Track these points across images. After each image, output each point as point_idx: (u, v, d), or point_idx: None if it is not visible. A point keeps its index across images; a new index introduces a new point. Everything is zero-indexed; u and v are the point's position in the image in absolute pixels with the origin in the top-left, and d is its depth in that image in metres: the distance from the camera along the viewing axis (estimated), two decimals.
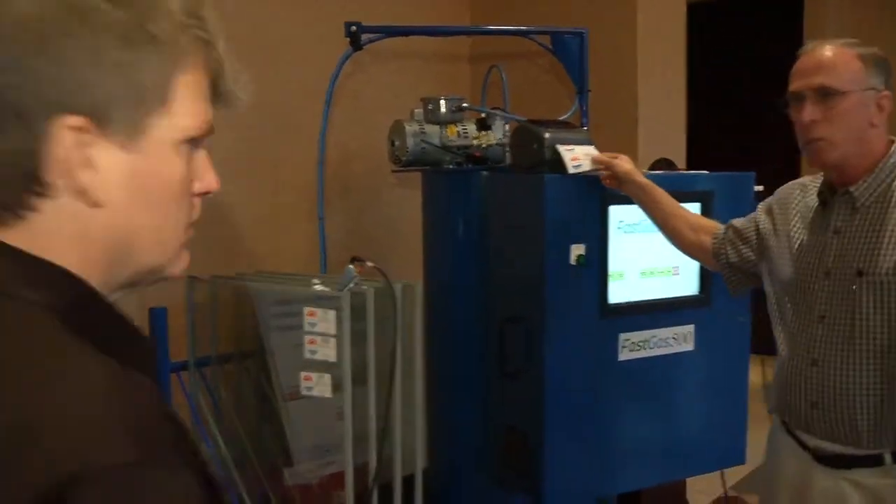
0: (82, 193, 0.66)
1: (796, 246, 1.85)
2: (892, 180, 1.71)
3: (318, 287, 2.11)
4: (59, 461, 0.57)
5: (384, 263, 3.64)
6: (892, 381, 1.68)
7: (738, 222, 2.09)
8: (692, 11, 3.76)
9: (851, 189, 1.74)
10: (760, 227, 2.02)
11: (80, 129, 0.64)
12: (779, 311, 1.90)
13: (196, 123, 0.73)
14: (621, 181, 2.24)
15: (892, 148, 1.73)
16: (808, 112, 1.71)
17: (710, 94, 5.89)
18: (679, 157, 3.67)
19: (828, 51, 1.72)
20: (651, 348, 2.59)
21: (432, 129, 2.93)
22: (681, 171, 2.97)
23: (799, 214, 1.88)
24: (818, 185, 1.87)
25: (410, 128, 2.94)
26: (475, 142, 2.91)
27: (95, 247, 0.67)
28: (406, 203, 3.26)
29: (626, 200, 2.35)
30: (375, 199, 3.60)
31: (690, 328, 2.64)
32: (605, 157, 2.31)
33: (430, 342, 2.84)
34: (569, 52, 2.89)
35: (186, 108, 0.71)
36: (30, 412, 0.59)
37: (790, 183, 2.00)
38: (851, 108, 1.69)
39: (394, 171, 3.09)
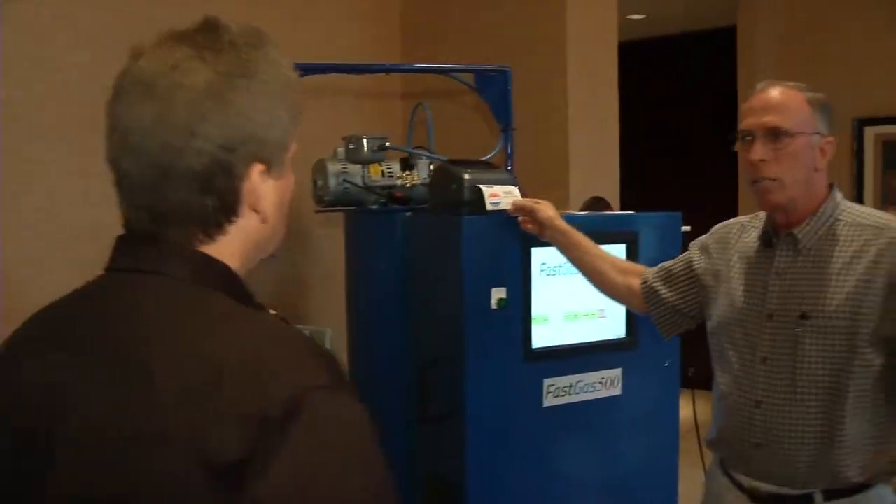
0: (260, 215, 0.90)
1: (737, 286, 1.84)
2: (833, 223, 1.72)
3: None
4: (281, 386, 0.75)
5: (312, 307, 3.56)
6: (833, 423, 1.68)
7: (668, 263, 2.07)
8: (625, 50, 3.76)
9: (795, 231, 1.75)
10: (695, 265, 1.99)
11: (262, 172, 0.89)
12: (719, 350, 1.88)
13: None
14: (543, 227, 2.19)
15: (832, 192, 1.76)
16: (758, 151, 1.72)
17: (646, 133, 5.92)
18: (612, 197, 3.63)
19: (780, 92, 1.74)
20: (577, 393, 2.52)
21: (354, 169, 2.85)
22: (607, 212, 2.92)
23: (738, 254, 1.87)
24: (756, 224, 1.87)
25: (333, 167, 2.86)
26: (399, 182, 2.84)
27: (251, 248, 0.92)
28: (333, 244, 3.17)
29: (548, 243, 2.29)
30: (304, 240, 3.49)
31: (618, 372, 2.58)
32: (527, 202, 2.25)
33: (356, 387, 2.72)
34: (493, 90, 2.84)
35: None
36: (246, 352, 0.78)
37: (727, 222, 1.99)
38: (799, 151, 1.70)
39: (317, 212, 3.01)
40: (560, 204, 3.40)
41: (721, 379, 1.86)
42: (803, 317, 1.70)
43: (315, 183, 2.90)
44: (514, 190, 2.36)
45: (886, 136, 5.00)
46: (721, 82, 5.43)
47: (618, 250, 2.60)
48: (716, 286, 1.89)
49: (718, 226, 2.00)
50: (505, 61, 2.97)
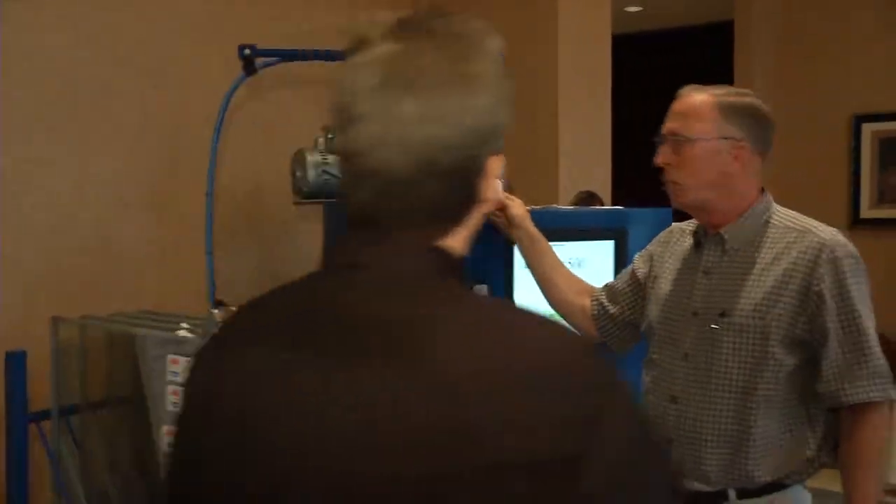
0: (484, 204, 0.89)
1: (668, 286, 1.88)
2: (763, 225, 1.77)
3: (182, 332, 1.89)
4: (593, 382, 0.77)
5: None
6: (744, 422, 1.70)
7: (612, 281, 2.10)
8: (621, 42, 3.66)
9: (722, 231, 1.79)
10: (638, 274, 2.01)
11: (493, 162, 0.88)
12: (649, 348, 1.91)
13: None
14: (512, 224, 2.11)
15: (764, 196, 1.79)
16: (661, 155, 1.79)
17: (640, 126, 5.82)
18: (604, 192, 3.54)
19: (688, 98, 1.79)
20: None
21: (335, 159, 2.75)
22: (595, 207, 2.83)
23: (673, 256, 1.92)
24: (693, 228, 1.91)
25: (312, 158, 2.76)
26: None
27: (471, 236, 0.90)
28: (314, 238, 3.07)
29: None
30: (285, 234, 3.39)
31: None
32: (501, 200, 2.16)
33: None
34: None
35: None
36: (546, 354, 0.77)
37: (672, 226, 2.02)
38: (700, 156, 1.74)
39: (296, 204, 2.90)
40: (549, 198, 3.32)
41: (646, 377, 1.88)
42: (722, 315, 1.73)
43: (294, 174, 2.80)
44: (497, 183, 2.25)
45: (884, 134, 4.91)
46: (718, 77, 5.31)
47: (606, 247, 2.51)
48: (654, 289, 1.92)
49: (663, 231, 2.03)
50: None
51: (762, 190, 1.81)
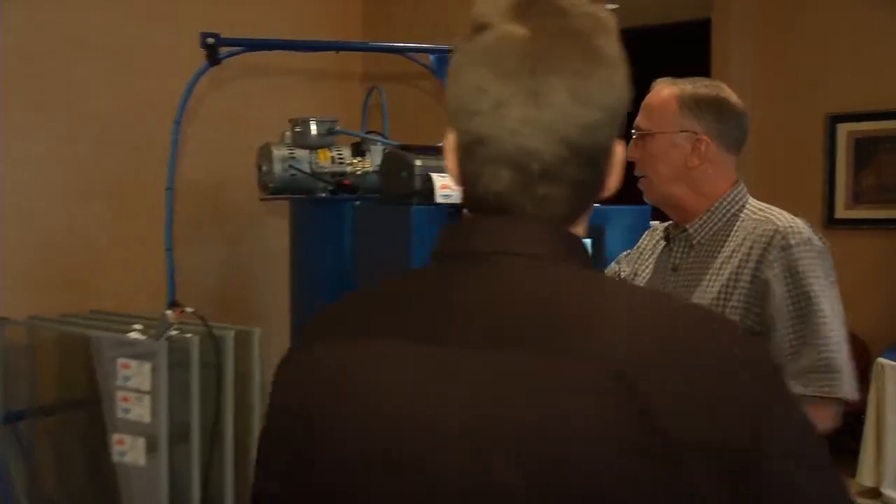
0: (608, 188, 0.88)
1: (646, 283, 1.85)
2: (731, 219, 1.73)
3: (133, 334, 1.78)
4: (760, 368, 0.76)
5: (256, 300, 3.36)
6: None
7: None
8: None
9: (687, 227, 1.76)
10: (621, 276, 1.95)
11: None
12: None
13: None
14: None
15: (734, 188, 1.75)
16: (630, 150, 1.76)
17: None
18: None
19: (655, 92, 1.77)
20: None
21: (302, 154, 2.65)
22: None
23: (650, 255, 1.89)
24: (671, 224, 1.88)
25: (279, 152, 2.66)
26: (349, 168, 2.64)
27: (588, 220, 0.89)
28: (281, 234, 2.96)
29: None
30: (252, 229, 3.28)
31: None
32: None
33: None
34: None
35: None
36: (707, 336, 0.76)
37: (653, 225, 1.98)
38: (660, 150, 1.73)
39: (262, 199, 2.80)
40: None
41: None
42: None
43: (260, 169, 2.70)
44: None
45: (859, 134, 4.88)
46: (695, 76, 5.28)
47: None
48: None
49: (648, 230, 1.99)
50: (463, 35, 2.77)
51: (735, 183, 1.75)
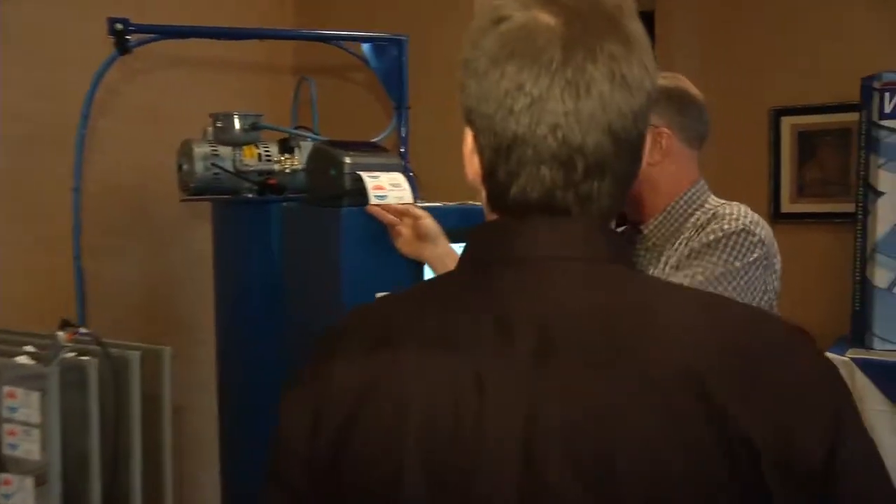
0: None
1: None
2: (687, 218, 1.59)
3: (22, 358, 1.57)
4: (828, 375, 0.75)
5: (181, 310, 3.14)
6: None
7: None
8: None
9: (642, 227, 1.63)
10: None
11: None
12: None
13: None
14: (427, 239, 1.84)
15: (693, 186, 1.62)
16: None
17: None
18: None
19: None
20: None
21: (226, 152, 2.45)
22: None
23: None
24: None
25: (200, 149, 2.45)
26: (276, 167, 2.45)
27: None
28: (206, 238, 2.75)
29: (453, 239, 1.93)
30: (174, 233, 3.06)
31: None
32: (414, 209, 1.89)
33: (222, 413, 2.36)
34: (386, 61, 2.46)
35: None
36: (777, 339, 0.75)
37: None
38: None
39: (182, 201, 2.59)
40: (466, 197, 3.07)
41: None
42: None
43: (180, 168, 2.49)
44: (403, 182, 1.99)
45: (802, 127, 4.86)
46: None
47: None
48: None
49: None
50: (405, 30, 2.59)
51: (695, 182, 1.63)
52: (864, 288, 3.38)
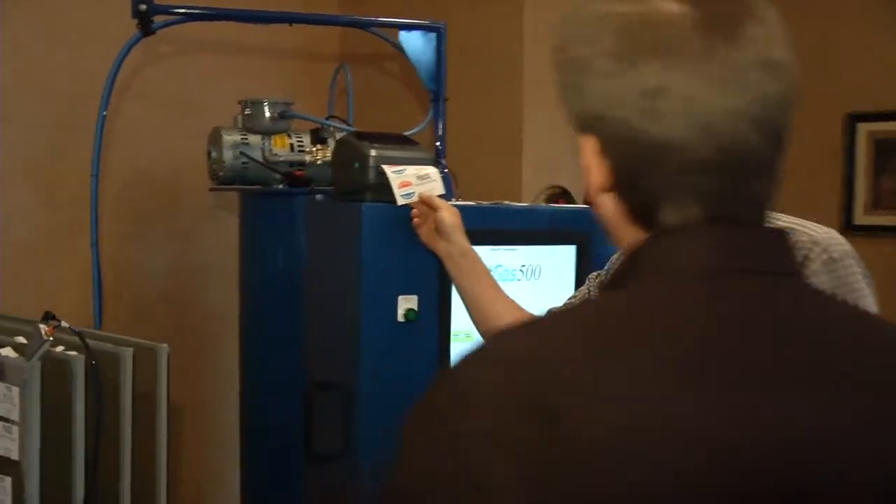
0: None
1: None
2: None
3: (6, 350, 1.47)
4: None
5: (206, 302, 3.05)
6: None
7: (557, 309, 1.66)
8: None
9: None
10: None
11: None
12: None
13: None
14: (440, 234, 1.71)
15: None
16: None
17: None
18: (574, 188, 3.14)
19: None
20: None
21: (255, 141, 2.34)
22: (560, 206, 2.43)
23: None
24: None
25: (230, 137, 2.35)
26: (308, 157, 2.33)
27: None
28: (234, 230, 2.65)
29: (476, 240, 1.79)
30: (202, 224, 2.97)
31: None
32: (435, 199, 1.77)
33: (243, 406, 2.27)
34: (423, 49, 2.32)
35: None
36: None
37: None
38: None
39: (211, 190, 2.49)
40: (509, 195, 2.92)
41: None
42: None
43: (209, 155, 2.39)
44: (433, 173, 1.85)
45: (880, 134, 4.59)
46: None
47: (566, 252, 2.12)
48: None
49: (616, 255, 1.63)
50: (443, 17, 2.45)
51: None
52: None
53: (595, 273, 1.69)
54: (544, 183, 2.98)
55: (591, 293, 1.64)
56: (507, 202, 2.24)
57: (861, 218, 4.50)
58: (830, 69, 4.39)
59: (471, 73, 2.74)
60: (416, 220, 1.78)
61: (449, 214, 1.73)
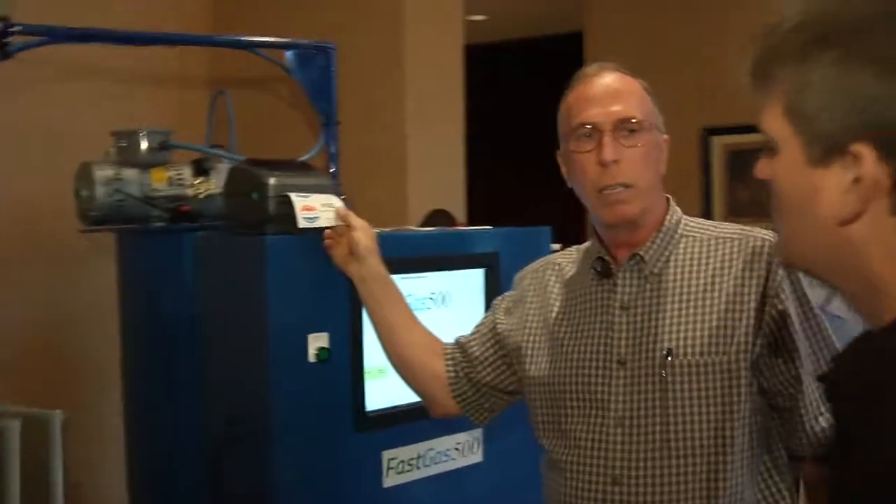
0: None
1: (568, 334, 1.48)
2: (679, 240, 1.45)
3: None
4: None
5: (83, 357, 2.81)
6: (716, 484, 1.37)
7: (465, 338, 1.64)
8: (471, 53, 3.28)
9: (640, 252, 1.42)
10: (500, 328, 1.59)
11: None
12: (549, 417, 1.49)
13: None
14: (358, 256, 1.63)
15: (672, 205, 1.48)
16: (611, 150, 1.38)
17: (490, 142, 5.50)
18: (458, 212, 3.11)
19: (621, 77, 1.44)
20: (427, 466, 1.98)
21: (131, 175, 2.17)
22: (457, 228, 2.38)
23: (561, 297, 1.52)
24: (573, 258, 1.54)
25: (102, 172, 2.16)
26: (190, 191, 2.18)
27: None
28: (105, 273, 2.44)
29: (394, 270, 1.70)
30: (77, 270, 2.73)
31: (477, 434, 2.04)
32: (352, 216, 1.68)
33: (131, 484, 2.08)
34: (312, 72, 2.23)
35: None
36: None
37: (533, 266, 1.61)
38: (651, 148, 1.42)
39: (81, 232, 2.28)
40: (397, 219, 2.85)
41: (558, 450, 1.48)
42: (668, 356, 1.37)
43: (78, 194, 2.19)
44: (335, 201, 1.75)
45: (734, 146, 4.87)
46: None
47: (475, 275, 2.07)
48: (534, 342, 1.54)
49: (523, 273, 1.63)
50: (332, 38, 2.36)
51: (668, 198, 1.48)
52: None
53: (500, 297, 1.66)
54: (429, 206, 2.94)
55: (497, 319, 1.60)
56: (411, 228, 2.17)
57: None
58: (686, 87, 4.61)
59: (354, 95, 2.66)
60: (328, 241, 1.68)
61: (364, 235, 1.64)
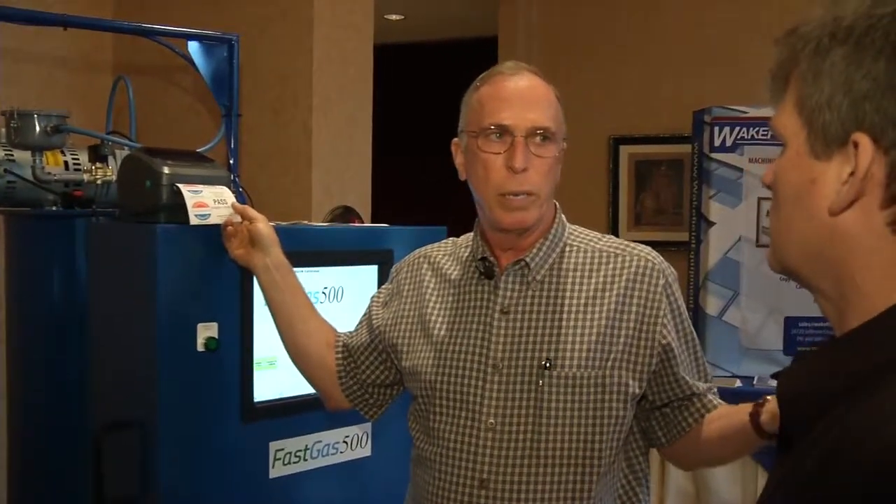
0: None
1: (444, 331, 1.47)
2: (564, 249, 1.46)
3: None
4: None
5: None
6: (581, 494, 1.39)
7: (348, 334, 1.66)
8: (378, 52, 3.30)
9: (527, 258, 1.43)
10: (375, 322, 1.60)
11: None
12: (420, 413, 1.50)
13: None
14: (259, 246, 1.64)
15: (558, 213, 1.49)
16: (521, 157, 1.37)
17: (401, 143, 5.52)
18: (363, 209, 3.13)
19: (538, 83, 1.43)
20: (314, 458, 1.98)
21: (24, 157, 2.12)
22: (355, 225, 2.41)
23: (438, 291, 1.51)
24: (455, 252, 1.54)
25: None
26: (86, 177, 2.15)
27: None
28: None
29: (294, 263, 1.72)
30: None
31: (367, 427, 2.07)
32: (249, 210, 1.69)
33: (11, 478, 2.04)
34: (214, 62, 2.22)
35: None
36: None
37: (408, 259, 1.61)
38: (557, 159, 1.43)
39: None
40: (301, 214, 2.86)
41: (426, 447, 1.47)
42: (546, 366, 1.38)
43: None
44: (227, 195, 1.76)
45: (640, 156, 4.98)
46: None
47: (369, 272, 2.10)
48: (409, 335, 1.53)
49: (398, 265, 1.63)
50: (241, 31, 2.36)
51: (556, 206, 1.51)
52: (696, 315, 3.42)
53: (378, 290, 1.67)
54: (333, 202, 2.95)
55: (373, 313, 1.60)
56: (305, 222, 2.18)
57: (625, 234, 4.86)
58: (596, 96, 4.73)
59: (260, 89, 2.66)
60: (228, 228, 1.68)
61: (265, 226, 1.65)
